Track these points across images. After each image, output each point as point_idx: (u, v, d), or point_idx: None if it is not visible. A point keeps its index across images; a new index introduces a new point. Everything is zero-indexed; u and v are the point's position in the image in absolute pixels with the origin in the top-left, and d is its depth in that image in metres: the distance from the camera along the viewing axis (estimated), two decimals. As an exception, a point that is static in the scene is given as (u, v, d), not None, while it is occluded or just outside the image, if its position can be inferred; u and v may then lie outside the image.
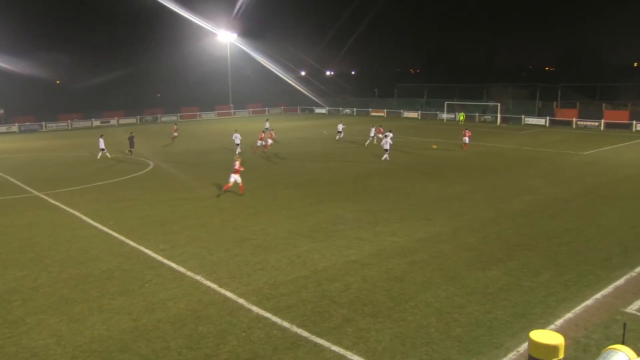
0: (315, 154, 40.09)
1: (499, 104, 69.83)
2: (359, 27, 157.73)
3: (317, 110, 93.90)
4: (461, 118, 69.94)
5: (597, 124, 61.87)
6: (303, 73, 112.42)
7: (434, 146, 42.73)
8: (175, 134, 49.80)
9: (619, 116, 62.11)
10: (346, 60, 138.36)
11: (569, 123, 64.10)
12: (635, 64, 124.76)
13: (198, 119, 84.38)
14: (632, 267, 15.00)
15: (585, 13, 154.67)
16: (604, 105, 65.71)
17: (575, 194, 25.11)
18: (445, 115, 74.31)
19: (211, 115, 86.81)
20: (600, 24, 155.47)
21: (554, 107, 68.87)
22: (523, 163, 35.26)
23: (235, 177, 25.00)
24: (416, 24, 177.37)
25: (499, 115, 69.11)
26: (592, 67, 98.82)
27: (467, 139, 41.64)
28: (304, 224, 19.82)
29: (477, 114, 71.97)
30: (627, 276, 14.37)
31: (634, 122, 59.17)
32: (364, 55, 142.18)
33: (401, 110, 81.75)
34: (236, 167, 24.93)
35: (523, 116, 67.17)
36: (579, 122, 63.65)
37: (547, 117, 66.25)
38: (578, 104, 67.64)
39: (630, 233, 18.42)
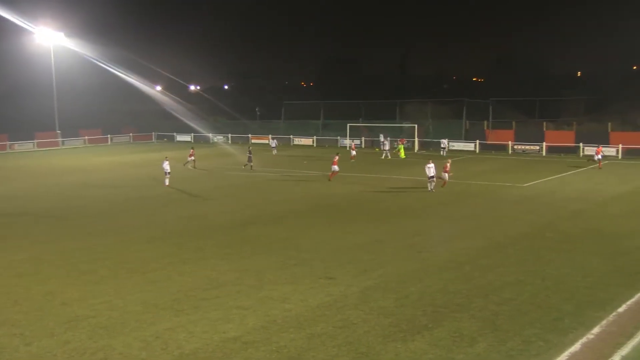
0: (176, 197, 39.70)
1: (415, 125, 72.67)
2: (232, 26, 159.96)
3: (180, 138, 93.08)
4: (401, 151, 65.27)
5: (537, 147, 66.17)
6: (158, 88, 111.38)
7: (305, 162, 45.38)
8: (192, 157, 54.25)
9: (563, 138, 66.92)
10: (217, 70, 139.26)
11: (503, 147, 68.25)
12: (579, 73, 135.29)
13: (8, 150, 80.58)
14: (588, 328, 15.86)
15: (520, 13, 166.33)
16: (544, 124, 70.57)
17: (515, 238, 26.50)
18: (347, 141, 75.97)
19: (28, 145, 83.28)
20: (537, 26, 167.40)
21: (485, 127, 72.64)
22: (448, 200, 36.83)
23: (445, 175, 40.52)
24: (307, 25, 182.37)
25: (416, 139, 71.95)
26: (530, 78, 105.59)
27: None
28: (163, 293, 19.36)
29: (385, 139, 69.27)
30: (583, 339, 15.18)
31: (581, 144, 63.80)
32: (240, 64, 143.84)
33: (290, 136, 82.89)
34: (447, 167, 40.95)
35: (447, 140, 70.21)
36: (516, 146, 67.81)
37: (477, 141, 70.01)
38: (514, 123, 71.85)
39: (583, 284, 19.63)
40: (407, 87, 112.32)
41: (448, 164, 41.94)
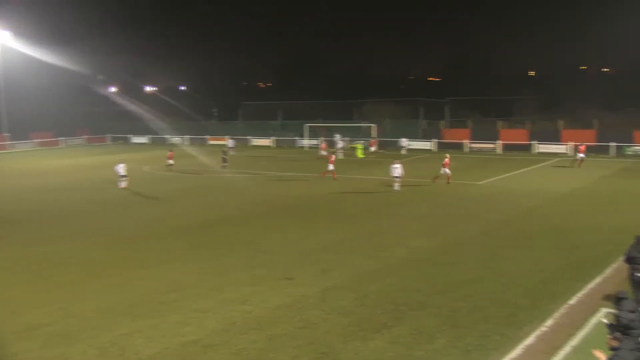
0: (137, 200, 39.27)
1: (373, 125, 73.23)
2: (189, 27, 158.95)
3: (136, 140, 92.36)
4: (358, 151, 66.00)
5: (492, 146, 67.25)
6: (113, 89, 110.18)
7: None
8: (171, 161, 53.06)
9: (517, 136, 68.43)
10: (174, 71, 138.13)
11: (459, 146, 69.16)
12: (532, 72, 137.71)
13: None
14: (542, 321, 16.29)
15: (474, 14, 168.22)
16: (499, 123, 71.97)
17: (473, 235, 26.88)
18: (306, 141, 76.28)
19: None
20: (490, 26, 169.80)
21: (441, 127, 73.68)
22: (407, 199, 37.14)
23: (445, 170, 41.84)
24: (264, 26, 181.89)
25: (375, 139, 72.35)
26: (485, 78, 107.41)
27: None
28: (121, 297, 19.09)
29: (340, 140, 70.12)
30: (537, 332, 15.57)
31: (535, 142, 65.27)
32: (197, 65, 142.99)
33: (249, 137, 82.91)
34: (447, 162, 42.25)
35: (405, 139, 70.94)
36: (472, 145, 68.79)
37: (434, 140, 70.75)
38: (470, 122, 73.03)
39: (538, 279, 20.05)
40: (365, 88, 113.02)
41: (447, 159, 42.81)
